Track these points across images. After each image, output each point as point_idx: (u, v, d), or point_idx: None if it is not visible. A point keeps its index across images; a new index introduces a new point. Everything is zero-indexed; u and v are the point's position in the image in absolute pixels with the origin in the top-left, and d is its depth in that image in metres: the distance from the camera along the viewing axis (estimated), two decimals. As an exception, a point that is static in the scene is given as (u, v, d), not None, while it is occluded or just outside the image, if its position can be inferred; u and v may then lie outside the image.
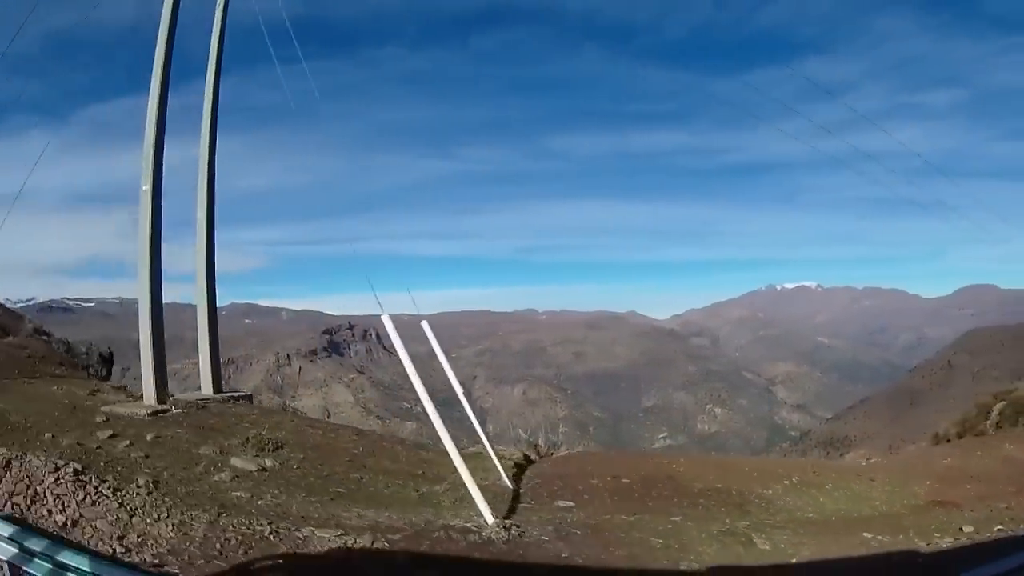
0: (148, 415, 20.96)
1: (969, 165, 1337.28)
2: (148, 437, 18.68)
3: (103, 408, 21.23)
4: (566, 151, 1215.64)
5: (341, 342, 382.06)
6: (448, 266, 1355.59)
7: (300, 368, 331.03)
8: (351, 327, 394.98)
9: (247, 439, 20.10)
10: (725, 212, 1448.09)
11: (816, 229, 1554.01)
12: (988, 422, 42.26)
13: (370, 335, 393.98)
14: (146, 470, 15.60)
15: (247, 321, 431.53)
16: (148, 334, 23.90)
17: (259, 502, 15.27)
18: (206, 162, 27.29)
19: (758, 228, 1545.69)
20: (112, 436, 18.08)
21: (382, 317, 15.38)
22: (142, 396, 23.61)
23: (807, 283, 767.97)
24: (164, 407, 22.28)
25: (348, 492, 17.63)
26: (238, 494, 15.53)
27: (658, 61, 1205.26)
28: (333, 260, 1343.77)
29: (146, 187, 24.08)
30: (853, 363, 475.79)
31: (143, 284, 24.09)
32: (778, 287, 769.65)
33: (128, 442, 17.85)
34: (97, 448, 16.81)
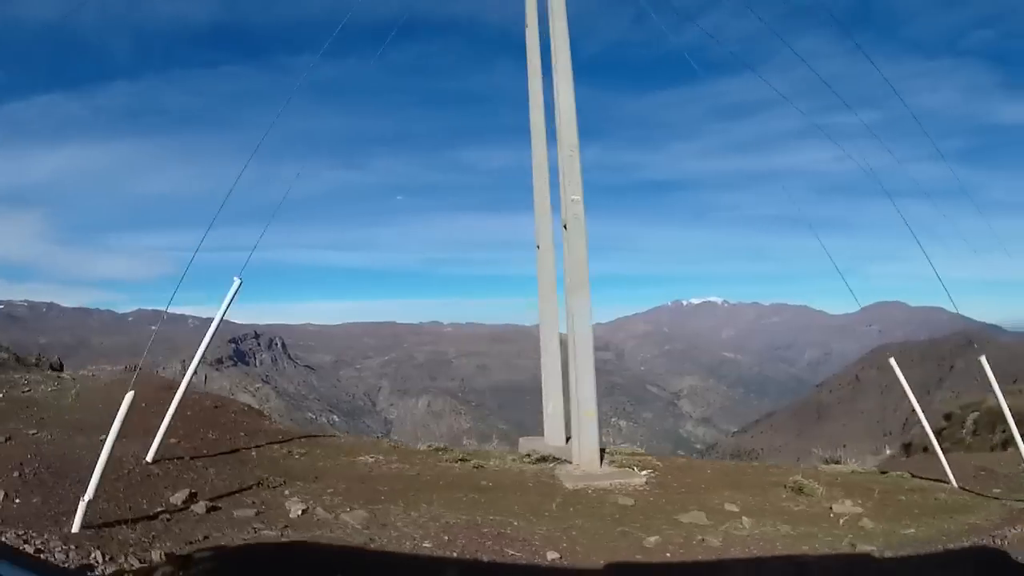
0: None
1: (877, 185, 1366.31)
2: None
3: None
4: (474, 164, 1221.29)
5: (247, 351, 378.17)
6: (354, 277, 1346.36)
7: (206, 377, 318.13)
8: (256, 336, 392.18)
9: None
10: (633, 228, 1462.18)
11: (723, 246, 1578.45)
12: (964, 431, 45.14)
13: (275, 344, 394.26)
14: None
15: (153, 328, 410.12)
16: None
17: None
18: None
19: (666, 244, 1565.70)
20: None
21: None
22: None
23: (713, 299, 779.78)
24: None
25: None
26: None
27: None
28: (239, 268, 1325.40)
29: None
30: (759, 378, 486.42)
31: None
32: (684, 302, 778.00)
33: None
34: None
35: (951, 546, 12.66)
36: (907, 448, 65.00)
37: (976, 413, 45.41)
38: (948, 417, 50.31)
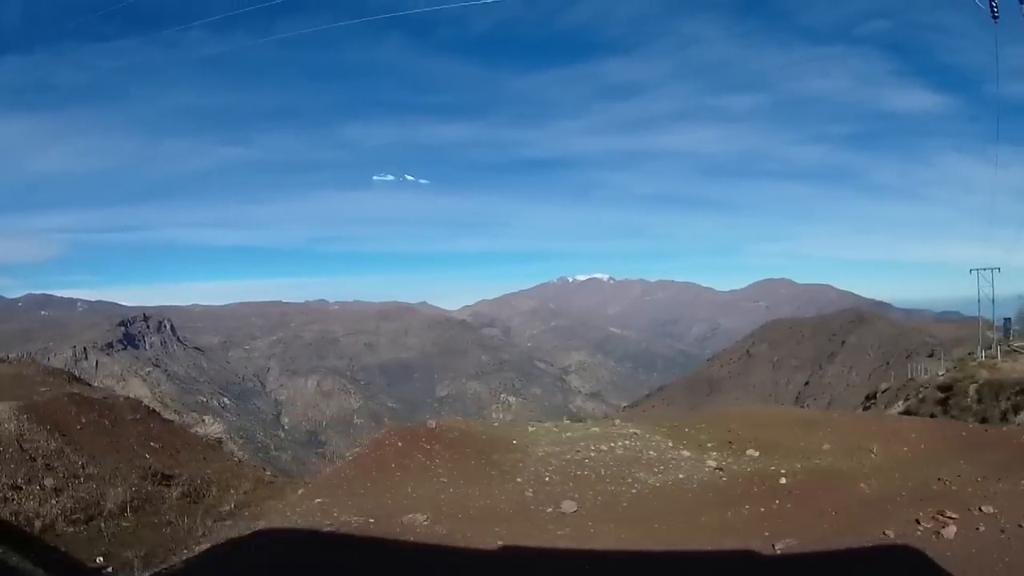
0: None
1: (764, 167, 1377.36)
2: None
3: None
4: (359, 140, 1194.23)
5: (136, 334, 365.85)
6: (239, 256, 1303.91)
7: (97, 362, 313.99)
8: (146, 319, 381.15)
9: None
10: (517, 205, 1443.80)
11: (608, 223, 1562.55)
12: (968, 400, 45.28)
13: (164, 327, 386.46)
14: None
15: (43, 313, 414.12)
16: None
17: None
18: None
19: (550, 221, 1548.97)
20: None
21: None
22: None
23: (599, 275, 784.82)
24: None
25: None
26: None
27: (458, 55, 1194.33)
28: (126, 248, 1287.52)
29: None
30: (646, 353, 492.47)
31: None
32: (570, 279, 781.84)
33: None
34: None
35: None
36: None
37: (976, 384, 47.18)
38: (947, 388, 51.81)
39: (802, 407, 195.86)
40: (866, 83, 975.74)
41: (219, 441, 46.62)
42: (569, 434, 28.08)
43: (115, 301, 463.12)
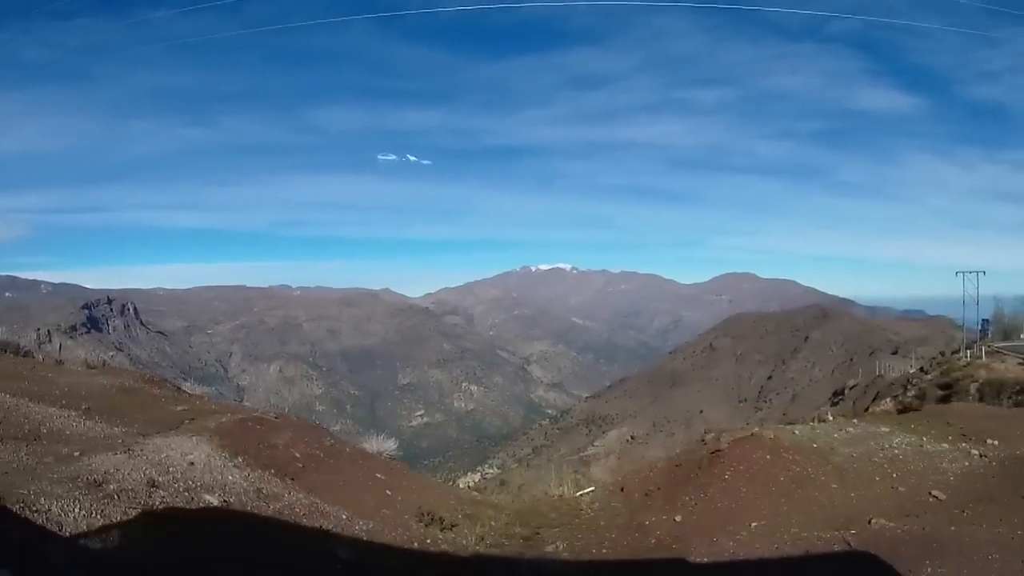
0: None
1: (731, 161, 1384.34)
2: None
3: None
4: (323, 125, 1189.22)
5: (100, 317, 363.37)
6: (203, 239, 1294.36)
7: (61, 345, 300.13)
8: (110, 301, 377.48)
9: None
10: (481, 192, 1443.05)
11: (572, 213, 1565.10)
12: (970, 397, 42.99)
13: (128, 310, 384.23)
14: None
15: (8, 295, 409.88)
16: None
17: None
18: None
19: (514, 210, 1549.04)
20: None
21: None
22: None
23: (562, 265, 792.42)
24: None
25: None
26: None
27: (425, 41, 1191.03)
28: (90, 230, 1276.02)
29: None
30: (608, 344, 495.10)
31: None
32: (533, 268, 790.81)
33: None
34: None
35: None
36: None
37: (976, 383, 46.30)
38: (947, 386, 50.26)
39: (765, 402, 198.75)
40: (836, 81, 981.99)
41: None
42: (842, 433, 27.84)
43: (79, 283, 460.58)
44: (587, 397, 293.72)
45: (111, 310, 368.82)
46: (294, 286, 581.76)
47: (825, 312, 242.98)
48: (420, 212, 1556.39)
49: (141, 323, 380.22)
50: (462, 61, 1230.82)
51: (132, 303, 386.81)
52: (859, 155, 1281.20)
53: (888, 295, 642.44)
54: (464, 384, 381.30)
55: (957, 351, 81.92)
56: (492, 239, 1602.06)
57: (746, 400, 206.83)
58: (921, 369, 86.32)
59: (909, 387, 64.29)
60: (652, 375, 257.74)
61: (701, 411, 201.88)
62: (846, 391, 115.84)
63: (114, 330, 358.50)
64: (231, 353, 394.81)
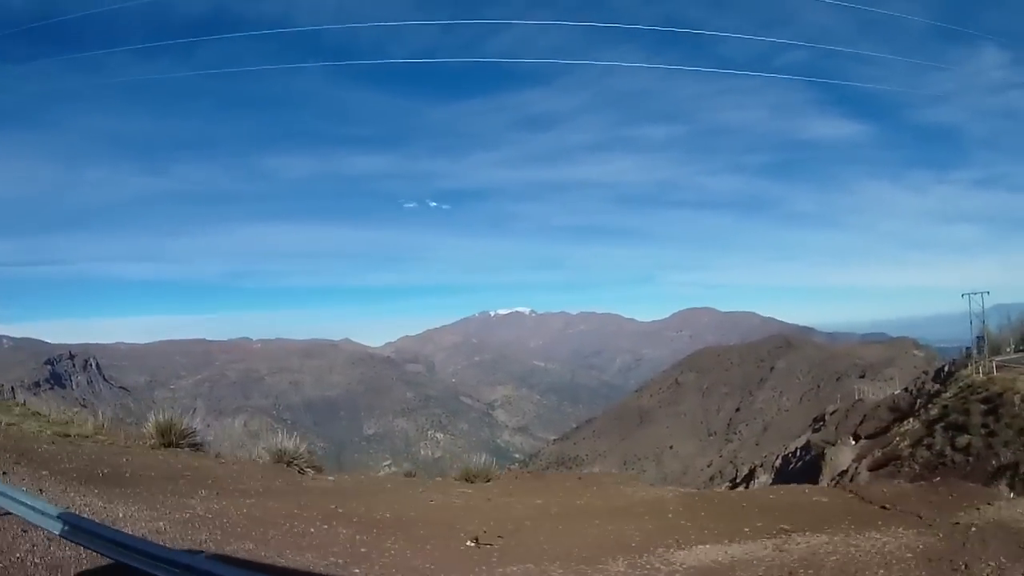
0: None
1: (682, 196, 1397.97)
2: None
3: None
4: (277, 172, 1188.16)
5: (63, 373, 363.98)
6: (160, 290, 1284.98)
7: (25, 402, 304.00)
8: (71, 356, 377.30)
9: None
10: (435, 238, 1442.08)
11: (528, 255, 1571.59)
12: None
13: (90, 365, 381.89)
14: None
15: None
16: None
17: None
18: None
19: (471, 254, 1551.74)
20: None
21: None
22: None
23: (520, 309, 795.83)
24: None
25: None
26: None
27: (377, 85, 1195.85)
28: (46, 282, 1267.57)
29: None
30: (571, 385, 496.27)
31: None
32: (491, 313, 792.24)
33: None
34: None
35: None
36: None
37: (1019, 395, 44.11)
38: (989, 400, 51.36)
39: (735, 433, 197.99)
40: (783, 113, 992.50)
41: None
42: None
43: (40, 338, 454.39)
44: (555, 439, 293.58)
45: (73, 365, 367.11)
46: (254, 338, 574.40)
47: (788, 341, 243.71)
48: (377, 260, 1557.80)
49: (104, 378, 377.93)
50: (413, 104, 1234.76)
51: (94, 358, 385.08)
52: (810, 185, 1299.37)
53: (848, 320, 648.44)
54: (430, 432, 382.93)
55: (943, 369, 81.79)
56: (450, 285, 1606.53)
57: (715, 433, 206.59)
58: (906, 390, 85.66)
59: (932, 405, 62.68)
60: (619, 413, 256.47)
61: (671, 447, 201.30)
62: (826, 416, 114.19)
63: (77, 385, 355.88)
64: (195, 408, 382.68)
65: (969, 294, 77.53)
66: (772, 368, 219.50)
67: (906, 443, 52.01)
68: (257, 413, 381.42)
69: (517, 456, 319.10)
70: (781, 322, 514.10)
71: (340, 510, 15.31)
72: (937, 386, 74.92)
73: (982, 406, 45.99)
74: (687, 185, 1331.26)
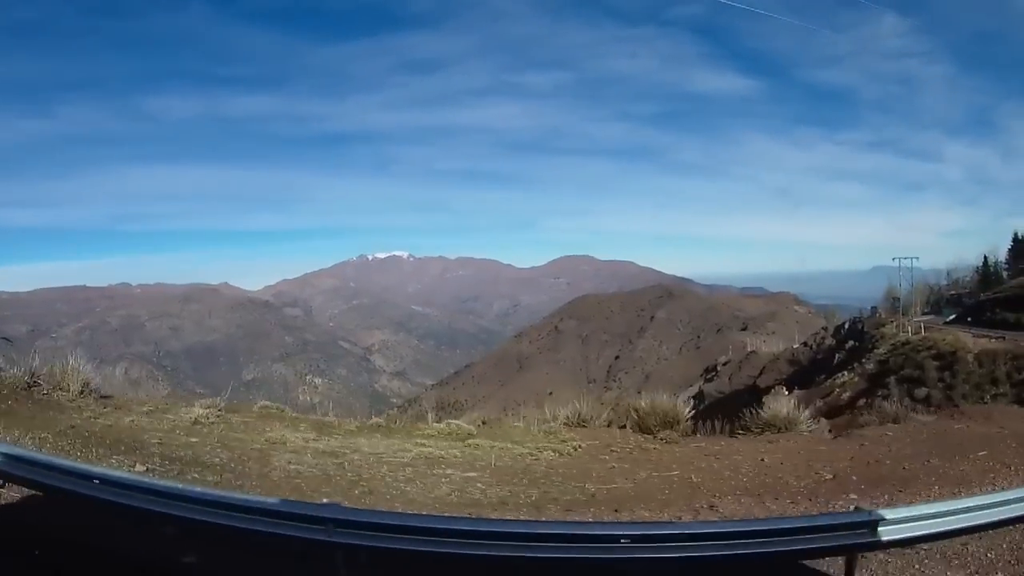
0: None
1: (566, 143, 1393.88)
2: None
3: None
4: (159, 113, 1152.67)
5: None
6: (40, 236, 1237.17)
7: None
8: None
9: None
10: (315, 180, 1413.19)
11: (408, 199, 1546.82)
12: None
13: None
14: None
15: None
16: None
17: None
18: None
19: (349, 197, 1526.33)
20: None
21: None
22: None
23: (398, 253, 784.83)
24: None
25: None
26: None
27: (259, 24, 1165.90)
28: None
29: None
30: (449, 330, 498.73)
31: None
32: (369, 257, 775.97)
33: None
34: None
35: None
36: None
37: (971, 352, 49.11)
38: (942, 356, 52.33)
39: (614, 381, 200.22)
40: (674, 65, 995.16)
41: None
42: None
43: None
44: (433, 384, 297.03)
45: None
46: (134, 284, 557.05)
47: (669, 291, 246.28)
48: (255, 201, 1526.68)
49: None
50: (296, 45, 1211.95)
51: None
52: (695, 136, 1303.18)
53: (726, 272, 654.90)
54: (308, 377, 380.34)
55: (842, 326, 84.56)
56: (328, 227, 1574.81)
57: (595, 380, 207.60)
58: (806, 344, 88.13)
59: (866, 360, 64.94)
60: (498, 359, 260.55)
61: (551, 393, 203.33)
62: (718, 367, 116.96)
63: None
64: (76, 357, 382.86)
65: (899, 258, 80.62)
66: (652, 317, 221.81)
67: (847, 394, 54.30)
68: (138, 360, 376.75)
69: (395, 401, 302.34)
70: (659, 272, 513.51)
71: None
72: (852, 342, 77.41)
73: (935, 362, 48.82)
74: (572, 132, 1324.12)
